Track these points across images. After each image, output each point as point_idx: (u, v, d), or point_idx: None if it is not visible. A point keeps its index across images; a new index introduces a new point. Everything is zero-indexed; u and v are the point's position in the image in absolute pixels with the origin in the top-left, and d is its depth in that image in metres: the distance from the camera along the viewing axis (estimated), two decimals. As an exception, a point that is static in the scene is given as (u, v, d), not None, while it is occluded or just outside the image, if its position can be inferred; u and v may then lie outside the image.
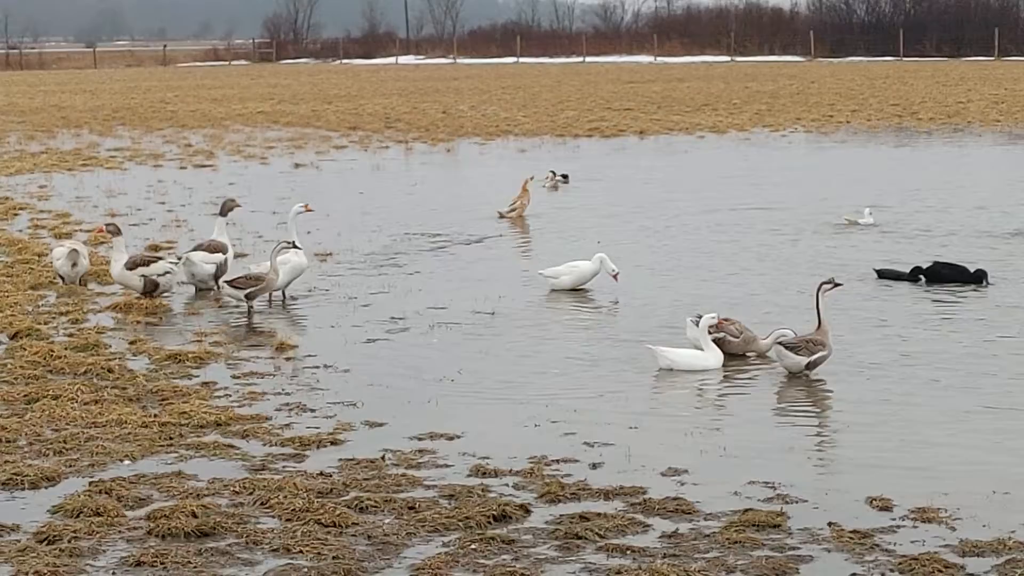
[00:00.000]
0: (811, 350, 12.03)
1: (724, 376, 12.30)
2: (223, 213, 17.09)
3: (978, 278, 16.08)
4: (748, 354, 12.87)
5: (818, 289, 12.43)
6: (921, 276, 16.32)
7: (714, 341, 12.61)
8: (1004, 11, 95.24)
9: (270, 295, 15.54)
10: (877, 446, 10.19)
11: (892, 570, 7.76)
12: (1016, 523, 8.41)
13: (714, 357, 12.47)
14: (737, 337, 12.77)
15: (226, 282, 15.24)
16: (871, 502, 8.82)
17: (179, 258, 16.34)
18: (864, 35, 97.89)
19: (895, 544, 8.15)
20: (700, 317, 12.72)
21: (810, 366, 12.07)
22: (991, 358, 12.70)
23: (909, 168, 29.92)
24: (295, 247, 15.80)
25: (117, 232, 16.22)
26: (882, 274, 16.58)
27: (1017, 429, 10.51)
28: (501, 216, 22.26)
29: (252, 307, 15.12)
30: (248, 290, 15.00)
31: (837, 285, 12.65)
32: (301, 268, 15.97)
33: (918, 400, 11.35)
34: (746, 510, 8.67)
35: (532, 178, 23.18)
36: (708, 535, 8.32)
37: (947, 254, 17.67)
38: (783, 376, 12.22)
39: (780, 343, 12.17)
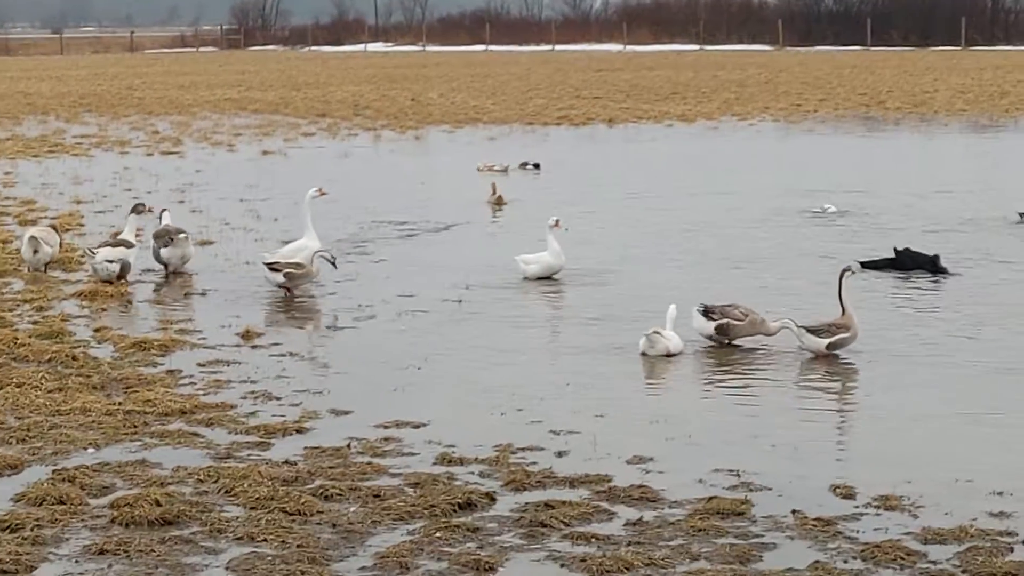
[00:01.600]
0: (833, 332, 12.21)
1: (691, 364, 12.32)
2: (136, 212, 17.02)
3: (933, 264, 16.14)
4: (752, 338, 12.78)
5: (840, 276, 12.51)
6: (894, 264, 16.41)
7: (717, 328, 12.62)
8: (971, 1, 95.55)
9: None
10: (841, 434, 10.23)
11: (855, 557, 7.80)
12: (978, 510, 8.46)
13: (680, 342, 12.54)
14: (742, 320, 12.67)
15: (266, 264, 15.37)
16: (835, 490, 8.86)
17: (90, 251, 16.09)
18: (832, 24, 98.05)
19: (858, 531, 8.18)
20: (704, 307, 12.73)
21: (831, 347, 12.17)
22: (953, 347, 12.76)
23: (876, 157, 30.02)
24: (334, 264, 15.32)
25: (131, 211, 16.88)
26: (865, 265, 16.57)
27: (979, 417, 10.57)
28: (495, 204, 22.29)
29: (291, 294, 15.20)
30: (286, 277, 15.11)
31: (852, 272, 12.75)
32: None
33: (881, 389, 11.40)
34: (711, 498, 8.69)
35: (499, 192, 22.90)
36: (673, 523, 8.34)
37: (911, 243, 17.68)
38: (749, 364, 12.25)
39: (802, 326, 12.28)
